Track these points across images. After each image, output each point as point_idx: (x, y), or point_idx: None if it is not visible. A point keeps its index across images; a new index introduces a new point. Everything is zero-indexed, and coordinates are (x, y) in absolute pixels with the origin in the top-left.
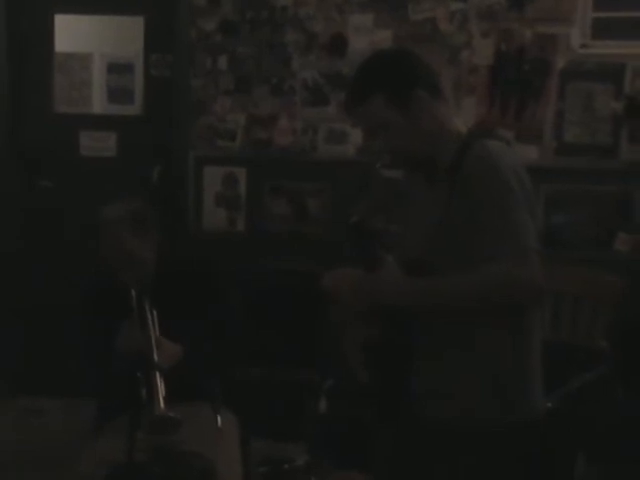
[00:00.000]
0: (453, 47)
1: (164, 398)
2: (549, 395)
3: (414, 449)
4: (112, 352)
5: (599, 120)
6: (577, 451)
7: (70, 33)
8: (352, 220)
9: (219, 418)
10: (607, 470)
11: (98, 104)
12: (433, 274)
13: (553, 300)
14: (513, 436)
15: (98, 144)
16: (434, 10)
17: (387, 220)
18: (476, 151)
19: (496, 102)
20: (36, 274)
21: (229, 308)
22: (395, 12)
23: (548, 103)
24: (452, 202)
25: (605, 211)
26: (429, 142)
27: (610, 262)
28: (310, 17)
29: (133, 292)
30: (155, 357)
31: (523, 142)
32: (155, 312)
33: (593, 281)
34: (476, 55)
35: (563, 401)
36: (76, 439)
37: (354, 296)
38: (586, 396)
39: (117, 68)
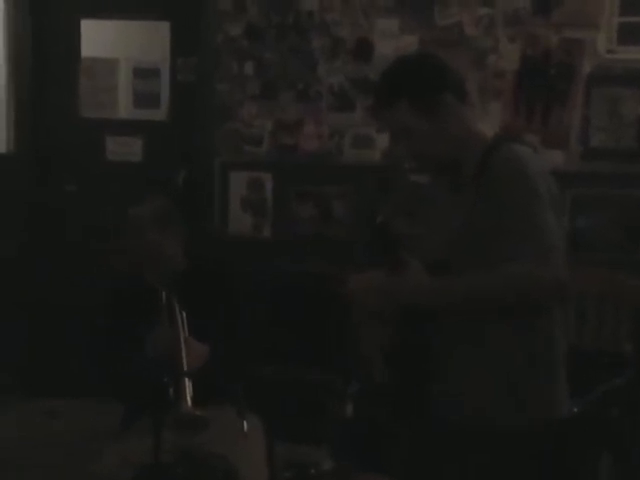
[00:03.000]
0: (479, 52)
1: (191, 398)
2: (575, 400)
3: (429, 450)
4: (135, 353)
5: (625, 125)
6: (602, 452)
7: (96, 38)
8: (378, 221)
9: (245, 423)
10: (629, 470)
11: (124, 109)
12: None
13: (578, 305)
14: (526, 435)
15: (124, 149)
16: (460, 15)
17: (409, 223)
18: (504, 154)
19: (522, 107)
20: (40, 271)
21: (242, 309)
22: (421, 17)
23: (574, 108)
24: (477, 205)
25: (631, 216)
26: (456, 147)
27: (636, 267)
28: (336, 22)
29: (163, 293)
30: (184, 358)
31: (549, 147)
32: (184, 313)
33: (617, 284)
34: (502, 60)
35: (589, 405)
36: (78, 439)
37: (378, 298)
38: (612, 400)
39: (143, 73)
